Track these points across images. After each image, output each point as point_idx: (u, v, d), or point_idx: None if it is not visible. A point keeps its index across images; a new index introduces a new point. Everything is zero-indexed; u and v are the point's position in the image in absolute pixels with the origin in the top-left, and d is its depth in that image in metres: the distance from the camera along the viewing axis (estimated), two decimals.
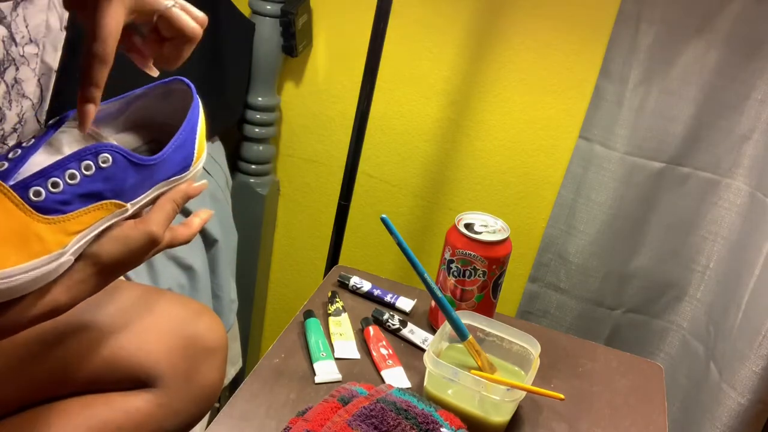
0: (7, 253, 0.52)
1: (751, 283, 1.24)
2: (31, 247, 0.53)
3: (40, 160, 0.55)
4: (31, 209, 0.54)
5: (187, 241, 0.67)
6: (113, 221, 0.59)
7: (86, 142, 0.58)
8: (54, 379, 0.78)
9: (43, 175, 0.54)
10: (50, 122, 0.60)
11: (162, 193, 0.64)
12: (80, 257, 0.57)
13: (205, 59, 1.37)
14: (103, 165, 0.57)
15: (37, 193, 0.54)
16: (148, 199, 0.63)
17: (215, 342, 0.84)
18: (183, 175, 0.66)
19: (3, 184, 0.53)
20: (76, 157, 0.56)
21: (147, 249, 0.61)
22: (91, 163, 0.57)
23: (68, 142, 0.58)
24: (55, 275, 0.55)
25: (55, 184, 0.55)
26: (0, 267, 0.51)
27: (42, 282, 0.54)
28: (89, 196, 0.57)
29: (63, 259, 0.55)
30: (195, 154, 0.67)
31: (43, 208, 0.54)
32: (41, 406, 0.77)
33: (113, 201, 0.59)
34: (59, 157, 0.56)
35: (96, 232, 0.58)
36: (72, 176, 0.56)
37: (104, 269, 0.59)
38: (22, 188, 0.54)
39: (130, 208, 0.61)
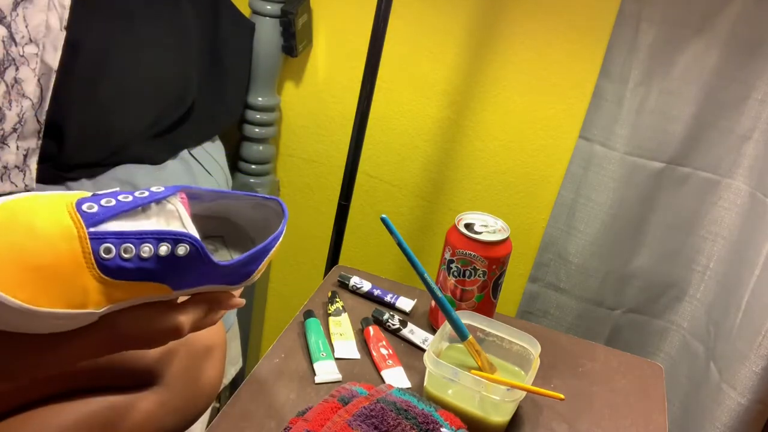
0: (47, 288, 0.51)
1: (751, 283, 1.24)
2: (72, 297, 0.52)
3: (124, 222, 0.55)
4: (94, 263, 0.53)
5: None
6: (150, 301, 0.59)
7: (172, 220, 0.57)
8: (54, 377, 0.78)
9: (121, 237, 0.54)
10: (156, 188, 0.59)
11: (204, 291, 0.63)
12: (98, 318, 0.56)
13: (205, 60, 1.37)
14: (179, 253, 0.56)
15: (108, 251, 0.53)
16: (192, 292, 0.62)
17: (214, 340, 0.84)
18: (235, 286, 0.65)
19: (84, 228, 0.53)
20: (157, 235, 0.55)
21: (167, 338, 0.61)
22: (169, 246, 0.56)
23: (157, 213, 0.57)
24: (71, 328, 0.55)
25: (127, 250, 0.54)
26: (34, 303, 0.50)
27: (57, 329, 0.54)
28: (149, 273, 0.56)
29: (90, 318, 0.55)
30: (255, 272, 0.67)
31: (104, 267, 0.53)
32: (41, 407, 0.77)
33: (164, 285, 0.58)
34: (143, 227, 0.55)
35: (131, 304, 0.57)
36: (146, 251, 0.55)
37: (116, 340, 0.58)
38: (97, 240, 0.53)
39: (174, 296, 0.60)
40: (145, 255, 0.55)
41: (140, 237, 0.55)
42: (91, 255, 0.53)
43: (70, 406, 0.77)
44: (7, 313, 0.50)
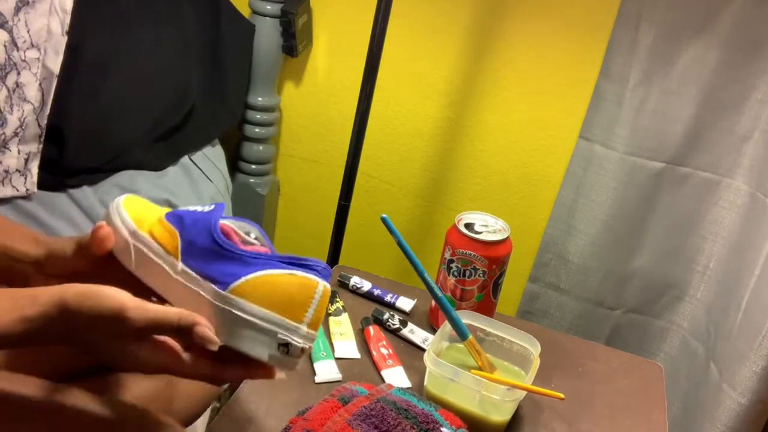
0: None
1: (751, 283, 1.24)
2: None
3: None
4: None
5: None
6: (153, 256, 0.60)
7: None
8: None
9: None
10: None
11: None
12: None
13: (205, 63, 1.37)
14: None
15: None
16: (186, 286, 0.59)
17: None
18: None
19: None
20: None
21: (110, 323, 0.54)
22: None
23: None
24: None
25: None
26: None
27: None
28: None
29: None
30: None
31: None
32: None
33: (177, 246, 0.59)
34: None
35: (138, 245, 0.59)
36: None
37: (64, 315, 0.54)
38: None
39: (178, 264, 0.59)
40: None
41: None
42: None
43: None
44: None
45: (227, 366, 0.59)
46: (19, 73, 0.98)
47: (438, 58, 1.43)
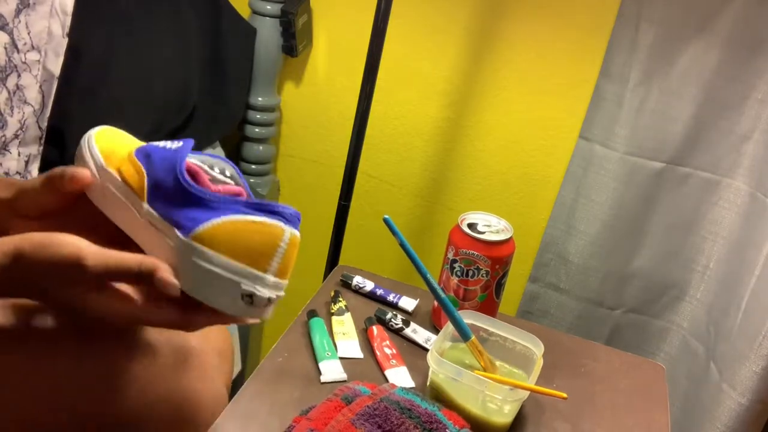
0: None
1: (751, 283, 1.24)
2: None
3: None
4: None
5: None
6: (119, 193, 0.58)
7: None
8: None
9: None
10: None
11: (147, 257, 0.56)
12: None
13: (206, 65, 1.37)
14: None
15: None
16: (151, 229, 0.57)
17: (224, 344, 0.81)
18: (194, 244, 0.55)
19: None
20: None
21: (68, 271, 0.53)
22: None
23: None
24: None
25: None
26: None
27: None
28: None
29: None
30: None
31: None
32: None
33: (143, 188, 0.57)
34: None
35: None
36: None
37: (20, 264, 0.53)
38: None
39: (144, 205, 0.57)
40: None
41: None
42: None
43: None
44: None
45: (196, 311, 0.57)
46: (19, 76, 0.98)
47: (438, 58, 1.43)
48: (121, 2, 1.17)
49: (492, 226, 0.95)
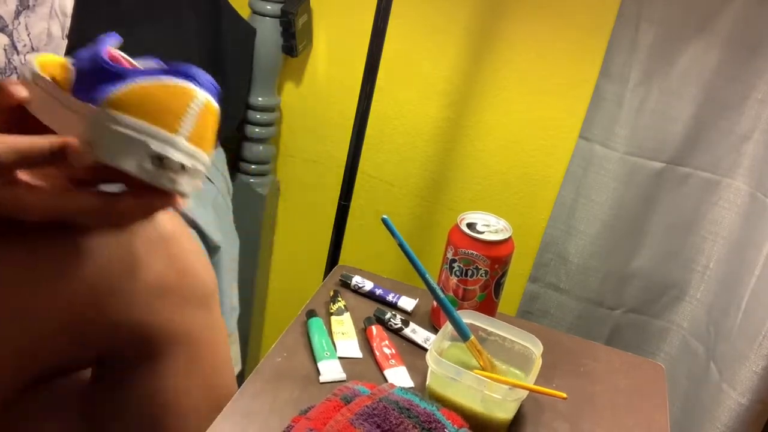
0: None
1: (751, 283, 1.24)
2: None
3: None
4: None
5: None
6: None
7: None
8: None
9: None
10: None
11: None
12: None
13: (205, 66, 1.37)
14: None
15: None
16: (72, 115, 0.56)
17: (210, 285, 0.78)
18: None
19: None
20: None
21: None
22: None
23: None
24: None
25: None
26: None
27: None
28: None
29: None
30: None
31: None
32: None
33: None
34: None
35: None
36: None
37: None
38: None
39: (69, 97, 0.56)
40: None
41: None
42: None
43: None
44: None
45: (116, 196, 0.55)
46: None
47: (438, 58, 1.43)
48: (121, 3, 1.17)
49: (491, 226, 0.95)
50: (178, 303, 0.70)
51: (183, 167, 0.54)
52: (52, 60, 0.61)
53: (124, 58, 0.58)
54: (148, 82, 0.53)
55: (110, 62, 0.55)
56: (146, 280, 0.66)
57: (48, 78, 0.58)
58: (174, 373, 0.72)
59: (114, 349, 0.69)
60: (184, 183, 0.55)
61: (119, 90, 0.53)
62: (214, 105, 0.54)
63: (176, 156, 0.53)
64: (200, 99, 0.54)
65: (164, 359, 0.70)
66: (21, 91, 0.58)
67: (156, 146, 0.52)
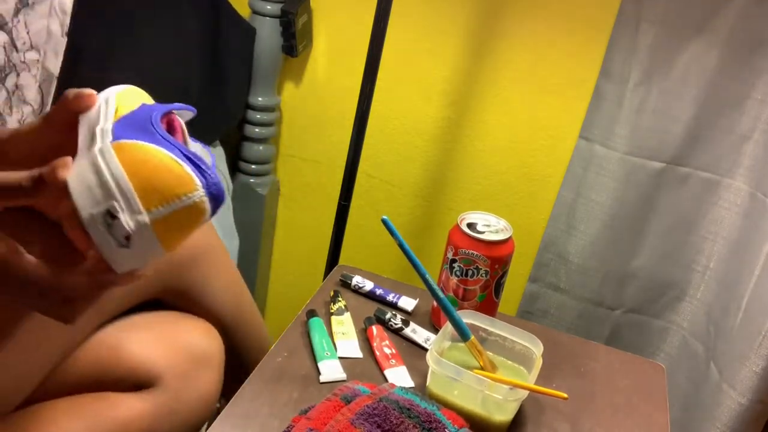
0: None
1: (751, 283, 1.24)
2: None
3: None
4: None
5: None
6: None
7: None
8: (56, 376, 0.78)
9: None
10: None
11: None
12: None
13: (205, 65, 1.37)
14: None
15: None
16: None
17: (211, 350, 0.90)
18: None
19: None
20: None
21: None
22: None
23: None
24: None
25: None
26: None
27: None
28: None
29: None
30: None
31: None
32: (41, 404, 0.77)
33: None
34: None
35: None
36: None
37: None
38: None
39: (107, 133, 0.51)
40: None
41: None
42: None
43: (71, 404, 0.78)
44: None
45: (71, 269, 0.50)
46: (18, 75, 0.98)
47: (438, 58, 1.43)
48: (121, 2, 1.17)
49: (491, 226, 0.95)
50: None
51: (127, 240, 0.48)
52: (139, 94, 0.58)
53: (182, 129, 0.55)
54: (161, 150, 0.49)
55: (157, 122, 0.52)
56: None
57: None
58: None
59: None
60: (119, 256, 0.49)
61: (131, 141, 0.49)
62: (206, 207, 0.50)
63: (129, 225, 0.48)
64: (196, 196, 0.49)
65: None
66: (90, 94, 0.56)
67: (117, 205, 0.48)
